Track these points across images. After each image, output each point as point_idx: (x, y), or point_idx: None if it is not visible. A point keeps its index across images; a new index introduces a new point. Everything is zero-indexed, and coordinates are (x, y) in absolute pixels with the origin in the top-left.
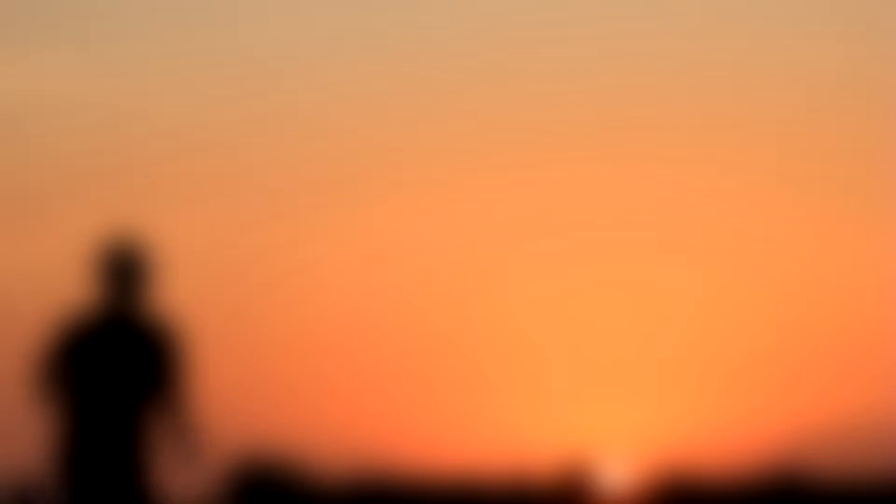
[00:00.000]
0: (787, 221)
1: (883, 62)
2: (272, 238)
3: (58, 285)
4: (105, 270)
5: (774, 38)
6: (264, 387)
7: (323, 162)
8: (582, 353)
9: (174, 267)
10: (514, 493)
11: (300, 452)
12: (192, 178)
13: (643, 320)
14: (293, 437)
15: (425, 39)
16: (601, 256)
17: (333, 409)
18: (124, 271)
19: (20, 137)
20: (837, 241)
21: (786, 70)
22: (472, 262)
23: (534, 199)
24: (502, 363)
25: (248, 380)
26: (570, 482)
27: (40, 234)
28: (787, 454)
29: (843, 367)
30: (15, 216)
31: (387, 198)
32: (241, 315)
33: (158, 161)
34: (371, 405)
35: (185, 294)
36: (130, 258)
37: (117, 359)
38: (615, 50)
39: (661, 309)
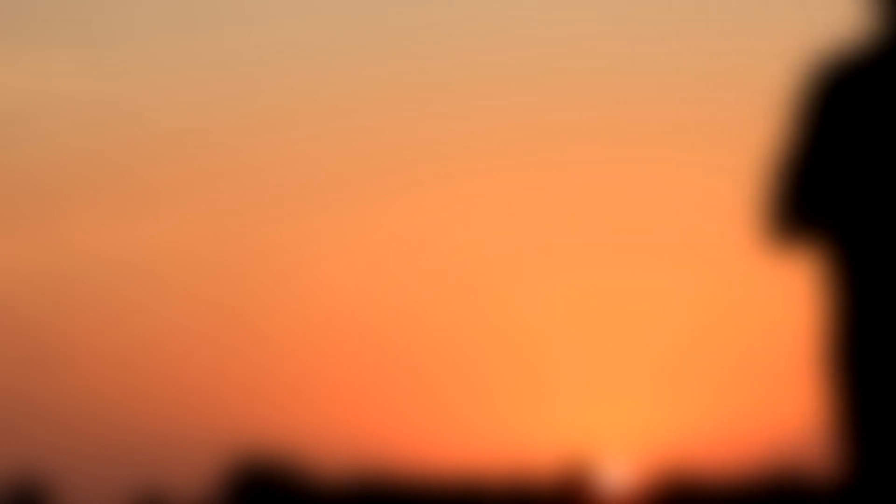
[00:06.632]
0: None
1: None
2: (273, 238)
3: (57, 286)
4: None
5: (772, 37)
6: (264, 387)
7: (326, 162)
8: (582, 352)
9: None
10: (514, 493)
11: (300, 452)
12: (193, 178)
13: (643, 320)
14: (293, 437)
15: (432, 37)
16: (601, 256)
17: (333, 409)
18: None
19: (20, 137)
20: None
21: (783, 69)
22: (472, 262)
23: (535, 199)
24: (503, 362)
25: (249, 380)
26: (570, 482)
27: (40, 234)
28: (786, 454)
29: None
30: (15, 216)
31: (389, 198)
32: (242, 315)
33: (158, 161)
34: (371, 405)
35: (185, 294)
36: None
37: None
38: (616, 50)
39: (661, 308)
